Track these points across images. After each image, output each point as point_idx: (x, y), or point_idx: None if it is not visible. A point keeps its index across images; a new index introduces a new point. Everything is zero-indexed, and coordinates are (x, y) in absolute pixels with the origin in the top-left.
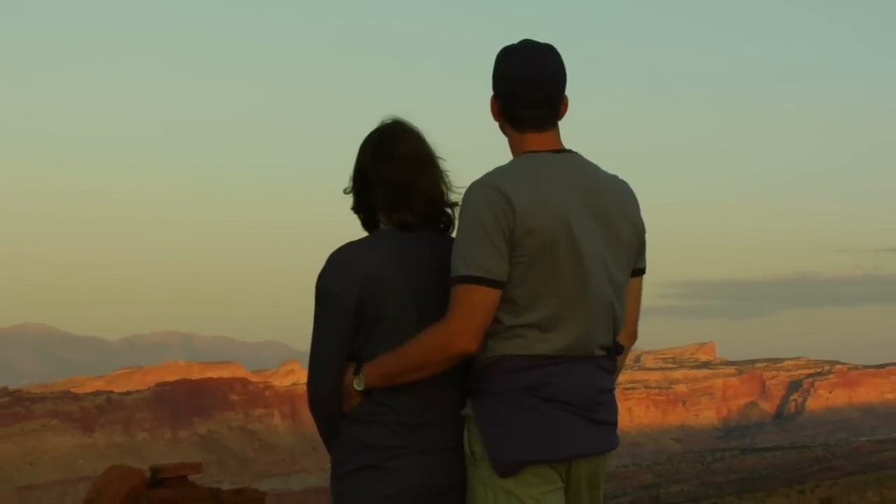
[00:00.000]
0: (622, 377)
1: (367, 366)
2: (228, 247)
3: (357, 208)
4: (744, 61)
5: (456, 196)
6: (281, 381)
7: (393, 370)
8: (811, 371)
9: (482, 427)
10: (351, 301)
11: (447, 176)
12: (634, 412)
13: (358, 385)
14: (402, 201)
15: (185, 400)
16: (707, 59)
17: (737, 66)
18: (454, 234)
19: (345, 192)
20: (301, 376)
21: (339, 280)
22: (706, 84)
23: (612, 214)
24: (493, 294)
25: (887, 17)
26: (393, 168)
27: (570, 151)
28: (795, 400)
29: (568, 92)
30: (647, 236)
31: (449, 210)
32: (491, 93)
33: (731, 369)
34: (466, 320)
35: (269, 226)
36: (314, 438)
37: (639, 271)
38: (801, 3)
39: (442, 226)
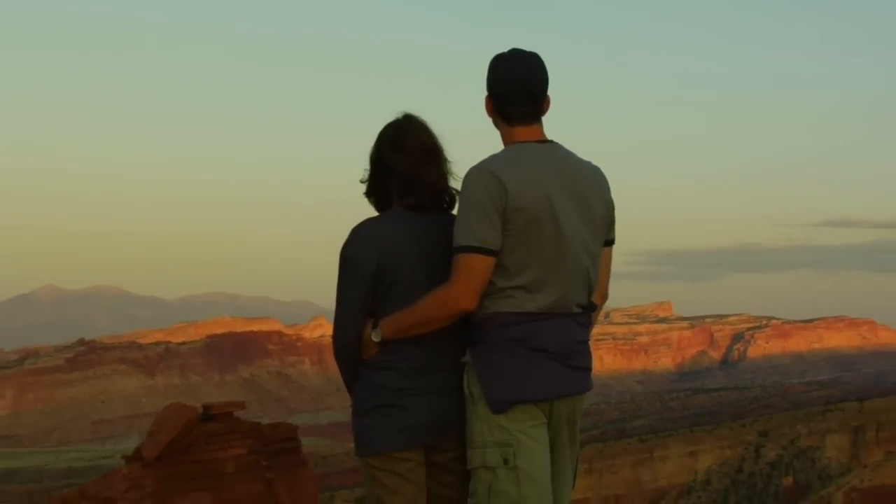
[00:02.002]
0: (594, 330)
1: (383, 321)
2: (268, 223)
3: (370, 193)
4: (709, 69)
5: (457, 182)
6: (310, 334)
7: (405, 325)
8: (751, 325)
9: (479, 372)
10: (370, 267)
11: (450, 164)
12: (604, 359)
13: (375, 337)
14: (411, 189)
15: (231, 349)
16: (674, 66)
17: (699, 72)
18: (455, 212)
19: (361, 181)
20: (327, 330)
21: (360, 250)
22: (671, 87)
23: (587, 194)
24: (488, 261)
25: (858, 25)
26: (404, 161)
27: (552, 142)
28: (738, 349)
29: (567, 93)
30: (617, 213)
31: (452, 193)
32: (486, 93)
33: (685, 324)
34: (466, 283)
35: (303, 205)
36: (338, 382)
37: (609, 242)
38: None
39: (445, 206)
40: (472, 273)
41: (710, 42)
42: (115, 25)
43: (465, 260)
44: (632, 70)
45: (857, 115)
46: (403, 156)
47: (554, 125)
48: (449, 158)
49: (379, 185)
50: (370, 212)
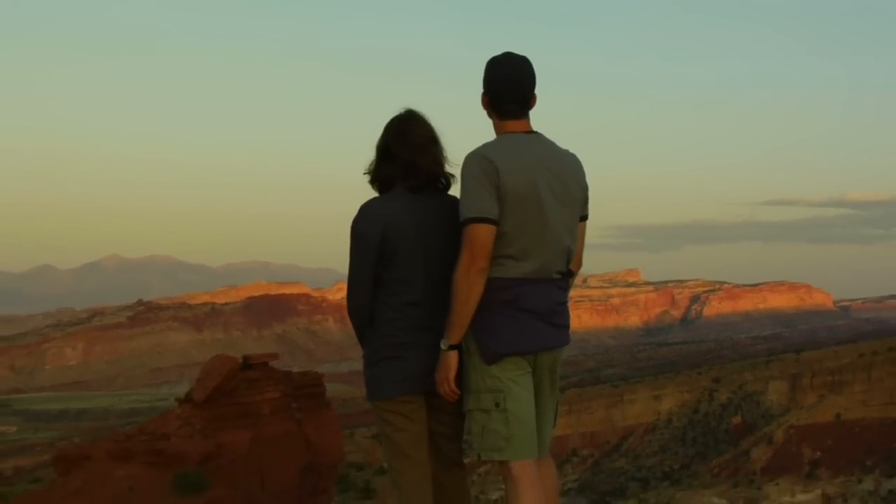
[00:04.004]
0: (573, 293)
1: (446, 334)
2: (297, 202)
3: (374, 179)
4: (681, 74)
5: (452, 167)
6: (333, 296)
7: (455, 318)
8: (706, 288)
9: (474, 329)
10: (376, 239)
11: (446, 152)
12: (582, 318)
13: (444, 346)
14: (411, 173)
15: (267, 309)
16: (652, 71)
17: (672, 76)
18: (457, 193)
19: (364, 173)
20: None
21: (367, 224)
22: (645, 89)
23: (566, 177)
24: (490, 228)
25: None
26: (406, 149)
27: (537, 133)
28: (695, 309)
29: (559, 90)
30: (593, 193)
31: (447, 177)
32: (482, 90)
33: (651, 287)
34: (474, 248)
35: (326, 187)
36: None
37: (584, 218)
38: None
39: (441, 188)
40: (477, 239)
41: (685, 48)
42: (179, 34)
43: (472, 230)
44: (615, 73)
45: (798, 112)
46: (406, 145)
47: (548, 118)
48: (445, 147)
49: (384, 170)
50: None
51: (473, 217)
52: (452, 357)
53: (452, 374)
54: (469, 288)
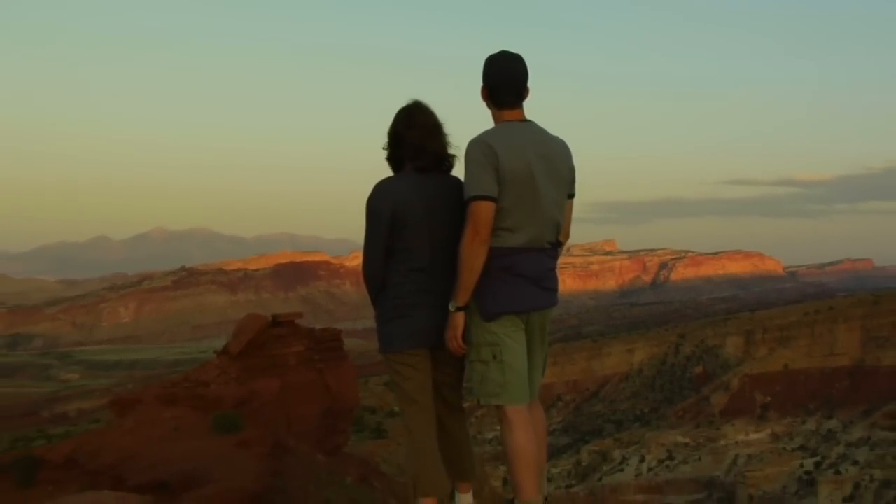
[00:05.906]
0: (560, 260)
1: (454, 297)
2: (319, 182)
3: (389, 158)
4: (661, 69)
5: (454, 150)
6: (350, 263)
7: (462, 283)
8: (673, 256)
9: (475, 291)
10: (387, 214)
11: (449, 138)
12: (566, 282)
13: (452, 307)
14: (419, 156)
15: (293, 274)
16: (637, 67)
17: (650, 72)
18: (459, 174)
19: (383, 148)
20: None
21: (379, 201)
22: (625, 83)
23: (556, 160)
24: (491, 205)
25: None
26: (414, 134)
27: (530, 121)
28: (664, 274)
29: (553, 85)
30: (577, 174)
31: (451, 159)
32: (481, 84)
33: (625, 256)
34: (478, 222)
35: (345, 170)
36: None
37: (571, 195)
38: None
39: (445, 168)
40: (480, 214)
41: (664, 47)
42: (216, 35)
43: (475, 206)
44: (602, 71)
45: (755, 105)
46: (413, 130)
47: (543, 108)
48: (448, 133)
49: (394, 154)
50: (389, 173)
51: (476, 195)
52: (460, 318)
53: (460, 332)
54: (473, 257)
